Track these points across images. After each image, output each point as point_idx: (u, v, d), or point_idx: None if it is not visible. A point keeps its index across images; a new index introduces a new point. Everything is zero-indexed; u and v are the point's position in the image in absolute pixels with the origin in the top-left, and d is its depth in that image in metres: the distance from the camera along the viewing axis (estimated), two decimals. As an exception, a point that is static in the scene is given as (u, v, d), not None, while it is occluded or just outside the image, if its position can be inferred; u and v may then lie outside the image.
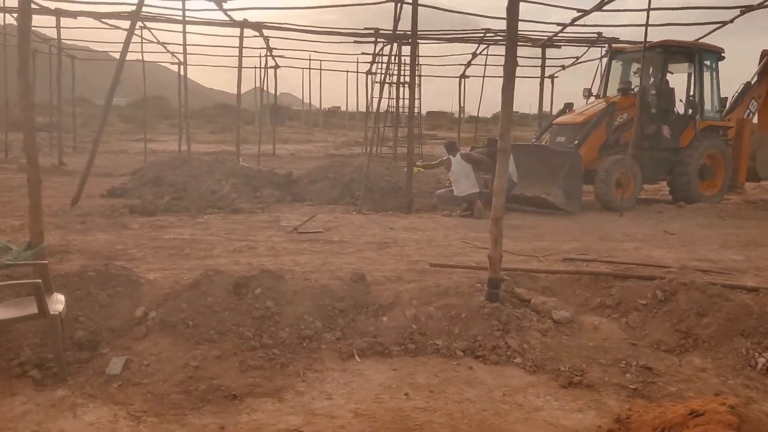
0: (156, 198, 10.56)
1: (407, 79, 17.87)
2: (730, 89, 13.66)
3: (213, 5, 13.55)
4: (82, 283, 4.72)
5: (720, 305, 4.71)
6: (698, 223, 9.99)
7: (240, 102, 17.66)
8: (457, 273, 5.97)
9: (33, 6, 11.50)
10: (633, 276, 5.62)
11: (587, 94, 13.22)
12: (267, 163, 17.54)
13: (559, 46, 18.68)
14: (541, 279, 5.71)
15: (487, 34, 17.40)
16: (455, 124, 32.78)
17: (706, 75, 12.53)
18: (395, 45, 14.77)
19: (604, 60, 14.94)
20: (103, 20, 16.10)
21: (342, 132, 39.16)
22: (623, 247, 7.86)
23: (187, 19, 12.64)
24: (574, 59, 20.48)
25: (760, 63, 13.40)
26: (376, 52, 19.91)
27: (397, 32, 13.49)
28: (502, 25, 15.94)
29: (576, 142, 11.39)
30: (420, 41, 14.44)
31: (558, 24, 15.78)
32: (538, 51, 18.75)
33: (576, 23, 14.77)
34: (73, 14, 15.52)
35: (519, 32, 5.08)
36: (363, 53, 22.20)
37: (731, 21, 13.93)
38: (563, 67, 21.30)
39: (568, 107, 13.10)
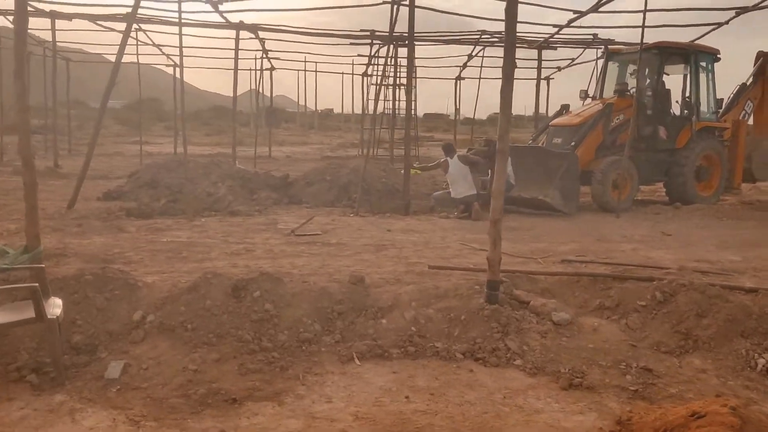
0: (152, 201, 10.52)
1: (403, 80, 17.97)
2: (725, 90, 13.69)
3: (209, 7, 13.53)
4: (80, 287, 4.70)
5: (719, 306, 4.71)
6: (695, 224, 10.01)
7: (236, 104, 17.63)
8: (456, 275, 5.96)
9: (28, 8, 11.44)
10: (632, 277, 5.62)
11: (584, 95, 13.24)
12: (263, 165, 17.52)
13: (555, 48, 18.72)
14: (540, 281, 5.70)
15: (482, 36, 17.41)
16: (451, 125, 32.81)
17: (702, 76, 12.56)
18: (391, 47, 14.77)
19: (600, 61, 14.96)
20: (98, 22, 16.06)
21: (338, 134, 39.16)
22: (621, 248, 7.87)
23: (183, 21, 12.67)
24: (570, 61, 20.53)
25: (755, 64, 13.44)
26: (372, 54, 19.93)
27: (394, 34, 13.48)
28: (497, 26, 16.03)
29: (573, 143, 11.41)
30: (416, 43, 14.42)
31: (554, 26, 15.81)
32: (533, 53, 18.79)
33: (572, 25, 14.79)
34: (69, 16, 15.46)
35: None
36: (359, 55, 22.23)
37: (726, 22, 13.97)
38: (559, 69, 21.34)
39: (565, 109, 13.11)
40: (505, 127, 5.04)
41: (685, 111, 12.50)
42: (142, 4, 11.43)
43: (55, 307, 4.00)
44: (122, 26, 14.99)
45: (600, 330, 4.77)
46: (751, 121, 13.72)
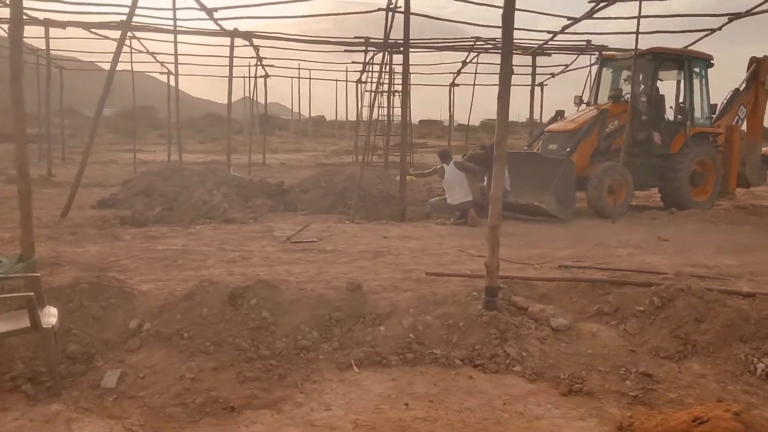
0: (147, 208, 10.47)
1: (397, 87, 18.01)
2: (719, 96, 13.77)
3: (204, 14, 13.53)
4: (75, 296, 4.66)
5: (717, 311, 4.71)
6: (691, 229, 10.02)
7: (230, 111, 17.61)
8: (454, 281, 5.95)
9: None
10: (630, 283, 5.62)
11: (578, 101, 13.28)
12: (257, 172, 17.49)
13: (549, 54, 18.80)
14: (538, 287, 5.69)
15: (477, 43, 17.47)
16: (445, 132, 32.84)
17: (696, 82, 12.63)
18: (386, 54, 14.78)
19: (594, 67, 15.02)
20: (92, 30, 16.03)
21: (331, 141, 39.16)
22: (617, 253, 7.87)
23: (177, 28, 12.65)
24: (564, 67, 20.61)
25: (748, 70, 13.52)
26: (366, 61, 19.96)
27: (388, 41, 13.51)
28: (491, 33, 16.04)
29: (568, 149, 11.43)
30: (411, 50, 14.46)
31: (548, 32, 15.87)
32: (527, 59, 18.87)
33: (565, 31, 14.85)
34: (62, 25, 15.43)
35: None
36: (353, 62, 22.26)
37: (719, 28, 14.06)
38: (553, 75, 21.42)
39: (560, 115, 13.14)
40: (502, 134, 5.04)
41: (679, 116, 12.56)
42: (137, 12, 11.43)
43: (50, 316, 3.96)
44: (115, 34, 15.03)
45: (599, 335, 4.76)
46: (744, 126, 13.78)
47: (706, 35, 14.61)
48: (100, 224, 9.24)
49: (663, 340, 4.66)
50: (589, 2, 12.49)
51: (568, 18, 14.03)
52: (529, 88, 19.83)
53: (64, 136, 22.20)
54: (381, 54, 15.30)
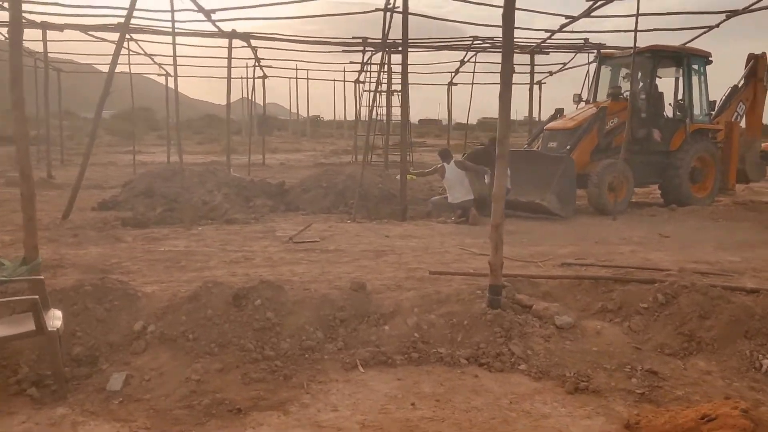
0: (148, 210, 10.46)
1: (396, 87, 17.99)
2: (717, 93, 13.78)
3: (202, 16, 13.51)
4: (79, 298, 4.65)
5: (722, 307, 4.71)
6: (691, 226, 10.03)
7: (229, 112, 17.60)
8: (457, 280, 5.94)
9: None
10: (633, 280, 5.61)
11: (577, 99, 13.30)
12: (257, 172, 17.48)
13: (547, 53, 18.80)
14: (542, 284, 5.68)
15: (474, 42, 17.47)
16: (443, 131, 32.84)
17: (695, 79, 12.65)
18: (384, 53, 14.77)
19: (593, 65, 15.03)
20: (90, 33, 16.01)
21: (330, 141, 39.15)
22: (620, 250, 7.87)
23: (175, 30, 12.63)
24: (562, 65, 20.62)
25: (746, 66, 13.54)
26: (365, 61, 19.95)
27: (387, 41, 13.50)
28: (489, 32, 16.04)
29: (568, 147, 11.43)
30: (409, 49, 14.46)
31: (546, 30, 15.88)
32: (526, 57, 18.86)
33: (564, 29, 14.85)
34: (60, 27, 15.41)
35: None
36: (351, 62, 22.25)
37: (717, 25, 14.07)
38: (551, 73, 21.44)
39: (559, 113, 13.15)
40: (504, 132, 5.04)
41: (679, 113, 12.57)
42: (134, 13, 11.40)
43: (55, 319, 3.95)
44: (113, 36, 15.01)
45: (603, 333, 4.76)
46: (743, 123, 13.80)
47: (704, 32, 14.61)
48: (101, 226, 9.22)
49: (668, 337, 4.65)
50: (587, 0, 12.49)
51: (566, 16, 14.04)
52: (528, 86, 19.83)
53: (63, 138, 22.18)
54: (379, 54, 15.31)
